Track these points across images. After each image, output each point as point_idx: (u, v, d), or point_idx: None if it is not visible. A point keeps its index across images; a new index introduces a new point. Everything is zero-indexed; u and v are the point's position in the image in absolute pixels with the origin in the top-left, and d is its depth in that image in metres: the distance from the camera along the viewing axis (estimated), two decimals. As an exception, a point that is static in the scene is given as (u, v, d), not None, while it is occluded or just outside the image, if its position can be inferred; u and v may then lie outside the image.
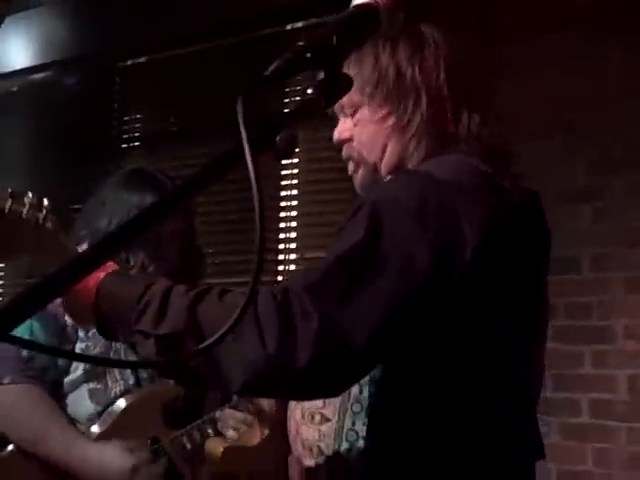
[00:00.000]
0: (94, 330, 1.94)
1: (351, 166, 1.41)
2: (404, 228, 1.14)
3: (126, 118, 4.07)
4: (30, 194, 1.22)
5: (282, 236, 3.49)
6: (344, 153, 1.41)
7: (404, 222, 1.14)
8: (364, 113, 1.36)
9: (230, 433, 1.90)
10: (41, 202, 1.23)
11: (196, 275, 2.13)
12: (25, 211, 1.21)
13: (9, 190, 1.20)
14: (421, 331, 1.15)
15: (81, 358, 1.34)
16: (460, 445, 1.21)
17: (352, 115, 1.38)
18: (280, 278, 3.42)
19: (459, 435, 1.21)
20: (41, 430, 1.90)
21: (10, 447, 1.94)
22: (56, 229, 1.24)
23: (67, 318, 1.90)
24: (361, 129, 1.37)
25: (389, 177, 1.35)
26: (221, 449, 1.41)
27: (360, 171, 1.39)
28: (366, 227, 1.13)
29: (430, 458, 1.21)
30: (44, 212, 1.23)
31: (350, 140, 1.39)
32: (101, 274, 1.16)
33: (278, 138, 0.84)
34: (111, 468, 1.85)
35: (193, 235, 2.14)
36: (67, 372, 1.99)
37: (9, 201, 1.20)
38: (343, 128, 1.40)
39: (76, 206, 2.99)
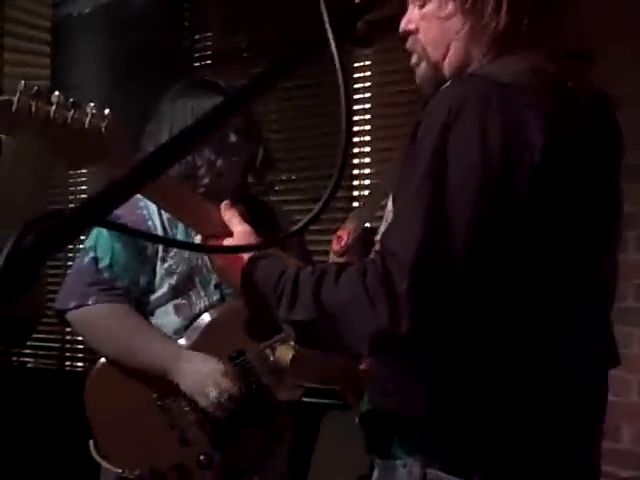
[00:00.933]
0: (176, 250, 2.00)
1: (414, 58, 1.37)
2: (469, 143, 1.13)
3: (197, 37, 4.05)
4: (92, 104, 1.24)
5: (356, 161, 3.45)
6: (408, 45, 1.38)
7: (468, 137, 1.13)
8: (432, 7, 1.32)
9: None
10: (103, 112, 1.24)
11: (265, 168, 2.13)
12: (87, 121, 1.22)
13: (71, 100, 1.22)
14: (500, 246, 1.14)
15: (181, 245, 1.37)
16: (532, 351, 1.20)
17: (421, 7, 1.34)
18: (355, 205, 3.40)
19: (532, 340, 1.20)
20: (137, 342, 1.96)
21: (103, 360, 2.01)
22: (118, 138, 1.25)
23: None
24: (427, 24, 1.33)
25: (450, 79, 1.31)
26: (290, 355, 1.43)
27: (422, 65, 1.36)
28: (431, 155, 1.14)
29: (498, 359, 1.21)
30: (106, 121, 1.24)
31: (415, 32, 1.35)
32: (245, 258, 1.32)
33: (358, 25, 0.83)
34: (203, 374, 1.90)
35: (258, 134, 2.13)
36: (151, 291, 2.03)
37: (71, 111, 1.21)
38: (409, 18, 1.36)
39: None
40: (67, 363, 4.58)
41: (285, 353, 1.47)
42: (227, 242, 1.41)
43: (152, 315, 2.03)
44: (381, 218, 1.42)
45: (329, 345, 1.25)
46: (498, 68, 1.21)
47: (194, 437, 1.94)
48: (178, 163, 1.98)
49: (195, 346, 1.97)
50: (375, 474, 1.37)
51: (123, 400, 1.96)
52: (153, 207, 1.94)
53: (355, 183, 3.45)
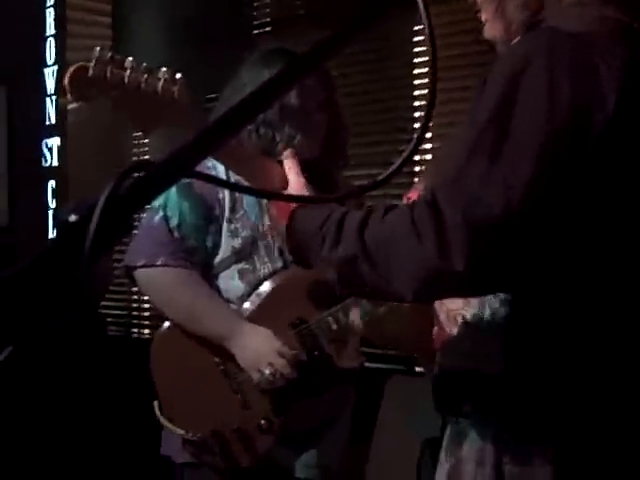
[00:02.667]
0: (242, 212, 2.01)
1: (484, 15, 1.34)
2: (537, 94, 1.10)
3: (256, 4, 4.04)
4: (164, 69, 1.25)
5: (417, 115, 3.43)
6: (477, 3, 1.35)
7: (537, 87, 1.10)
8: None
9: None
10: (175, 76, 1.25)
11: (342, 146, 2.13)
12: (160, 85, 1.23)
13: (144, 65, 1.23)
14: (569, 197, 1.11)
15: (248, 190, 1.38)
16: (612, 308, 1.18)
17: None
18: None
19: (612, 296, 1.18)
20: (200, 310, 1.98)
21: (167, 324, 2.04)
22: (189, 102, 1.26)
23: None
24: None
25: (519, 36, 1.28)
26: (364, 319, 1.44)
27: (489, 23, 1.33)
28: (497, 101, 1.11)
29: (577, 316, 1.18)
30: (178, 86, 1.25)
31: None
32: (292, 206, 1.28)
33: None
34: (259, 352, 1.92)
35: (338, 107, 2.12)
36: (215, 253, 2.05)
37: (144, 75, 1.22)
38: None
39: (210, 95, 3.04)
40: (134, 330, 4.67)
41: (358, 317, 1.48)
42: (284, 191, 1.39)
43: (217, 279, 2.05)
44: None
45: (372, 286, 1.17)
46: (567, 19, 1.18)
47: (255, 402, 1.96)
48: (258, 138, 1.99)
49: (258, 313, 1.98)
50: (446, 435, 1.36)
51: (187, 363, 1.99)
52: (220, 168, 1.94)
53: (417, 158, 3.42)
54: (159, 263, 1.99)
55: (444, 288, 1.14)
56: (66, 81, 1.20)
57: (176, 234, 2.01)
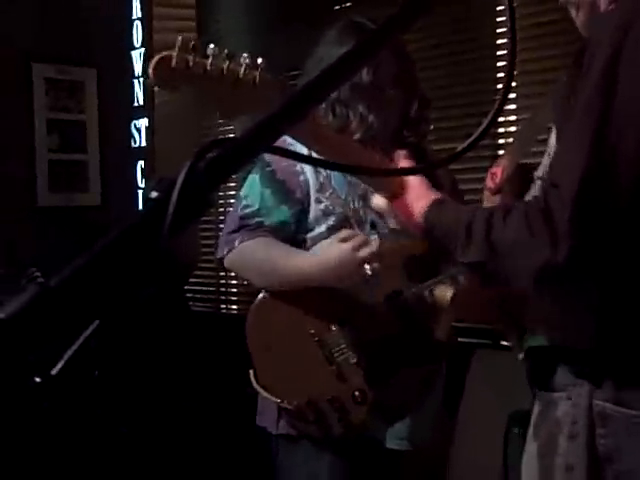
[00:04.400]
0: (330, 191, 2.02)
1: (572, 11, 1.32)
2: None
3: (337, -21, 4.02)
4: (245, 54, 1.26)
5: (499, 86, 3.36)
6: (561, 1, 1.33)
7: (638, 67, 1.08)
8: None
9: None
10: (256, 61, 1.27)
11: (423, 120, 2.11)
12: (242, 71, 1.25)
13: (225, 51, 1.25)
14: None
15: (335, 166, 1.39)
16: None
17: None
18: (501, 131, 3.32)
19: None
20: (278, 265, 2.00)
21: (262, 294, 2.07)
22: (271, 86, 1.27)
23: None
24: None
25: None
26: (450, 294, 1.44)
27: (580, 14, 1.31)
28: (596, 89, 1.11)
29: None
30: (259, 71, 1.26)
31: None
32: (423, 203, 1.37)
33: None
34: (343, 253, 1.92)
35: (414, 80, 2.11)
36: (310, 229, 2.07)
37: (226, 62, 1.24)
38: None
39: (292, 72, 3.05)
40: (222, 306, 4.76)
41: (444, 292, 1.48)
42: (406, 195, 1.43)
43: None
44: (539, 154, 1.39)
45: (500, 283, 1.32)
46: None
47: (350, 373, 1.98)
48: (333, 117, 2.00)
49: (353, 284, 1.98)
50: (536, 407, 1.36)
51: (283, 333, 2.01)
52: (304, 150, 1.96)
53: (500, 130, 3.36)
54: (237, 244, 2.04)
55: (557, 279, 1.21)
56: (150, 72, 1.22)
57: (257, 219, 2.04)
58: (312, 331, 1.98)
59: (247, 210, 2.06)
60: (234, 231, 2.06)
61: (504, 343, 3.24)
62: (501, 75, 3.31)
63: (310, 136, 1.38)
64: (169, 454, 3.50)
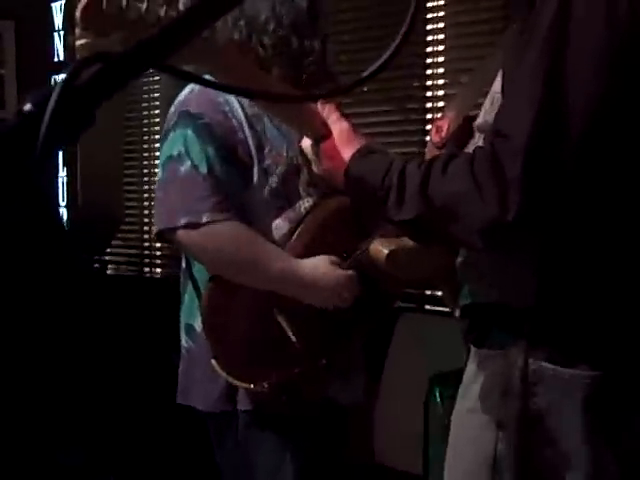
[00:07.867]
0: (269, 147, 1.92)
1: None
2: (593, 13, 1.06)
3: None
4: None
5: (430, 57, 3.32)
6: None
7: (592, 6, 1.06)
8: None
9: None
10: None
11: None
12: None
13: None
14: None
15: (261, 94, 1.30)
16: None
17: None
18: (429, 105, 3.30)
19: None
20: (262, 259, 1.86)
21: (212, 279, 1.94)
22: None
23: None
24: None
25: None
26: (385, 251, 1.37)
27: None
28: (548, 31, 1.07)
29: (610, 251, 1.17)
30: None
31: None
32: (347, 154, 1.27)
33: None
34: (324, 277, 1.85)
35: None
36: (250, 195, 1.90)
37: (164, 7, 1.10)
38: None
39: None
40: (146, 270, 4.68)
41: (379, 250, 1.41)
42: (330, 141, 1.34)
43: (256, 222, 1.89)
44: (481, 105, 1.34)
45: (442, 240, 1.25)
46: None
47: (314, 343, 1.91)
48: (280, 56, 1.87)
49: (305, 251, 1.91)
50: (470, 366, 1.34)
51: (240, 315, 1.91)
52: (236, 104, 1.86)
53: (428, 94, 3.33)
54: (204, 221, 1.81)
55: (507, 239, 1.15)
56: (77, 16, 1.12)
57: (209, 183, 1.83)
58: (270, 306, 1.88)
59: (198, 173, 1.83)
60: (192, 200, 1.83)
61: (428, 307, 3.26)
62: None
63: (217, 64, 1.26)
64: (93, 418, 3.45)
